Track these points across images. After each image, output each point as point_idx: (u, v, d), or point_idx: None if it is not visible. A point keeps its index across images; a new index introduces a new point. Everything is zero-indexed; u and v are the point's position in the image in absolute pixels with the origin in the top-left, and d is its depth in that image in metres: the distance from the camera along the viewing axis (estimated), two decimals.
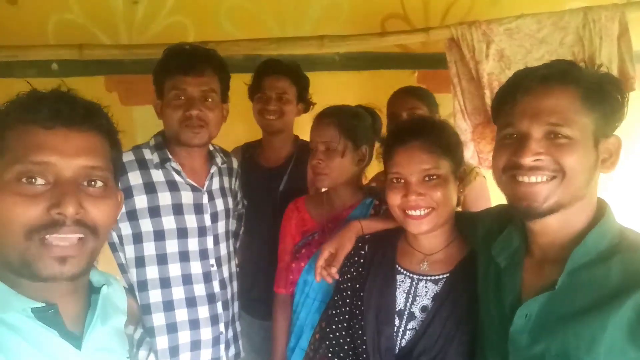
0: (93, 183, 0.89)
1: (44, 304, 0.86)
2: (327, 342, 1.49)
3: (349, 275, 1.48)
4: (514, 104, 1.02)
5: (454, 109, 2.33)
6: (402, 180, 1.32)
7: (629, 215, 1.57)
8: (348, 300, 1.46)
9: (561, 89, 0.99)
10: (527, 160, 0.98)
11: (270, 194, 1.96)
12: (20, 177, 0.83)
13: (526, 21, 2.18)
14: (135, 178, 1.60)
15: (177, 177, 1.66)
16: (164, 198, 1.62)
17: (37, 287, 0.86)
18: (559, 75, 1.00)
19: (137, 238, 1.61)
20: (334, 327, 1.48)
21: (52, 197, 0.83)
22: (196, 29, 2.56)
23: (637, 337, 0.88)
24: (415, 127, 1.36)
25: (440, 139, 1.32)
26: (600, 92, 0.99)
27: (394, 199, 1.33)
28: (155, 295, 1.62)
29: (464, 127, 2.30)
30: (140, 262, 1.62)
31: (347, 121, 1.69)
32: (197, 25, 2.56)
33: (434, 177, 1.30)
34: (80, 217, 0.85)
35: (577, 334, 0.94)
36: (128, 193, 1.58)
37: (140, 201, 1.59)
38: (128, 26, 2.52)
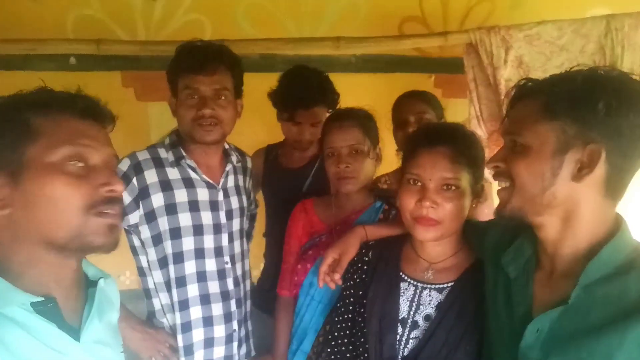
0: (113, 169, 0.98)
1: (42, 298, 0.88)
2: (329, 350, 1.47)
3: (352, 282, 1.46)
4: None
5: (469, 115, 2.29)
6: (419, 184, 1.28)
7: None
8: (351, 307, 1.45)
9: (525, 100, 1.03)
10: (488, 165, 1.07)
11: (293, 195, 1.93)
12: (67, 159, 0.90)
13: (547, 28, 2.13)
14: (151, 176, 1.61)
15: (192, 174, 1.66)
16: (180, 195, 1.62)
17: (36, 281, 0.89)
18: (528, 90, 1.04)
19: (157, 239, 1.61)
20: (336, 334, 1.46)
21: (99, 177, 0.92)
22: (213, 27, 2.56)
23: None
24: (447, 133, 1.32)
25: (468, 151, 1.29)
26: (569, 100, 0.94)
27: (408, 203, 1.29)
28: (173, 295, 1.63)
29: (479, 134, 2.26)
30: (163, 262, 1.63)
31: (365, 122, 1.69)
32: (214, 23, 2.57)
33: (453, 187, 1.26)
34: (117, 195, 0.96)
35: (592, 351, 0.91)
36: (145, 192, 1.59)
37: (157, 199, 1.60)
38: (146, 23, 2.54)
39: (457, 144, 1.28)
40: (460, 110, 2.36)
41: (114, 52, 2.24)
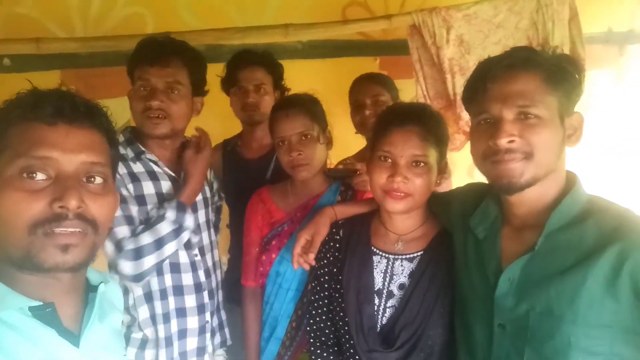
0: (92, 179, 0.90)
1: (41, 303, 0.85)
2: (308, 328, 1.52)
3: (325, 261, 1.51)
4: (484, 92, 1.10)
5: (416, 95, 2.37)
6: (390, 160, 1.34)
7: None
8: (326, 285, 1.50)
9: (526, 74, 1.07)
10: (503, 141, 1.05)
11: (258, 184, 1.92)
12: (22, 172, 0.84)
13: (483, 7, 2.24)
14: (120, 168, 1.56)
15: (155, 168, 1.65)
16: (147, 187, 1.61)
17: (34, 285, 0.86)
18: (521, 62, 1.08)
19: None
20: (314, 312, 1.51)
21: (55, 192, 0.84)
22: (155, 20, 2.52)
23: (612, 288, 0.97)
24: (416, 112, 1.38)
25: (435, 129, 1.36)
26: (560, 73, 1.08)
27: (379, 178, 1.35)
28: (145, 287, 1.60)
29: None
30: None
31: (311, 107, 1.71)
32: (155, 16, 2.52)
33: (421, 164, 1.33)
34: (82, 211, 0.86)
35: (559, 291, 1.02)
36: (118, 183, 1.54)
37: (129, 189, 1.57)
38: (83, 19, 2.46)
39: (426, 123, 1.35)
40: (407, 91, 2.43)
41: (55, 51, 2.17)
